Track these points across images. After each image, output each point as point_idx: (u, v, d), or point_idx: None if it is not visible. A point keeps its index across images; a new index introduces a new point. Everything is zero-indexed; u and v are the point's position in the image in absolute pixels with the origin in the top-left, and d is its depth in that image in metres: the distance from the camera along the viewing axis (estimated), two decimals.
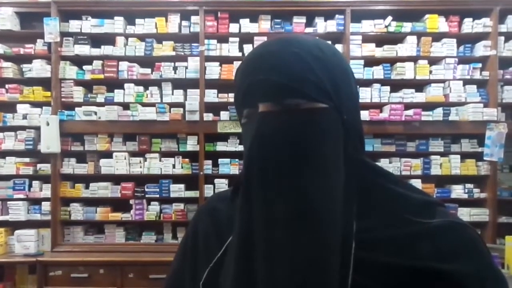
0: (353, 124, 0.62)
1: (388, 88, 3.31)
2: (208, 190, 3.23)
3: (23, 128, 3.32)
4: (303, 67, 0.58)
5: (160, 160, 3.32)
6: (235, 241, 0.59)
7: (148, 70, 3.34)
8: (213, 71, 3.30)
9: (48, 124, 3.18)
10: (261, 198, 0.56)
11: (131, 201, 3.29)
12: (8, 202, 3.30)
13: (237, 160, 3.26)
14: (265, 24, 3.32)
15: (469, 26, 3.29)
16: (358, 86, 3.27)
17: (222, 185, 3.24)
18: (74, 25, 3.33)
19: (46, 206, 3.28)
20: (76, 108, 3.30)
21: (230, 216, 0.65)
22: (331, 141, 0.58)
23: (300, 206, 0.55)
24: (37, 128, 3.26)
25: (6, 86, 3.36)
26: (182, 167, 3.30)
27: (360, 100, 3.26)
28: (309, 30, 3.34)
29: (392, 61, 3.33)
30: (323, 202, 0.55)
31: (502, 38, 3.30)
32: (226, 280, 0.60)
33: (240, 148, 3.25)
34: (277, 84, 0.57)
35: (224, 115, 3.26)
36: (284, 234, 0.54)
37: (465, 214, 3.20)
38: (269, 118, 0.58)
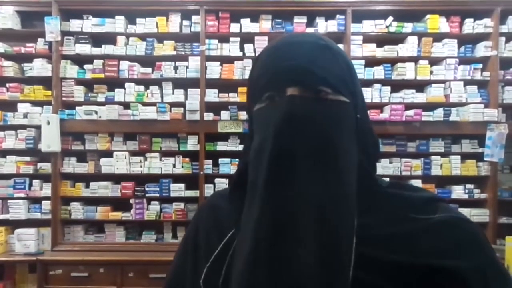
0: (365, 125, 0.64)
1: (388, 88, 3.30)
2: (208, 190, 3.23)
3: (23, 127, 3.32)
4: (332, 60, 0.61)
5: (160, 160, 3.32)
6: (250, 227, 0.57)
7: (149, 70, 3.34)
8: (214, 70, 3.30)
9: (48, 123, 3.18)
10: (290, 174, 0.56)
11: (131, 201, 3.30)
12: (9, 201, 3.30)
13: (237, 160, 3.26)
14: (266, 24, 3.32)
15: (470, 26, 3.29)
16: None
17: (222, 184, 3.24)
18: (75, 24, 3.34)
19: (46, 205, 3.28)
20: (77, 107, 3.30)
21: (230, 213, 0.66)
22: (350, 135, 0.61)
23: (321, 188, 0.56)
24: (38, 127, 3.26)
25: (7, 85, 3.36)
26: (182, 167, 3.30)
27: None
28: (310, 30, 3.34)
29: (393, 62, 3.33)
30: (341, 190, 0.57)
31: (503, 38, 3.30)
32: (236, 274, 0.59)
33: (241, 148, 3.24)
34: (309, 70, 0.59)
35: (224, 114, 3.26)
36: (306, 217, 0.54)
37: (465, 214, 3.17)
38: (299, 101, 0.59)
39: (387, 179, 0.70)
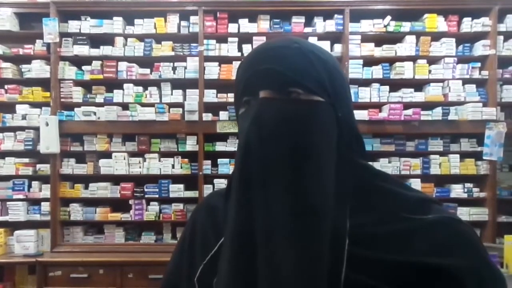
0: (348, 123, 0.63)
1: (387, 87, 3.31)
2: (208, 190, 3.23)
3: (22, 128, 3.33)
4: (305, 61, 0.61)
5: (159, 160, 3.32)
6: (230, 233, 0.59)
7: (147, 70, 3.34)
8: (212, 71, 3.30)
9: (47, 124, 3.18)
10: (260, 175, 0.57)
11: (131, 201, 3.30)
12: (8, 203, 3.30)
13: None
14: (264, 24, 3.32)
15: (468, 25, 3.29)
16: (357, 86, 3.28)
17: (221, 185, 3.24)
18: (73, 26, 3.33)
19: (45, 206, 3.28)
20: (75, 109, 3.30)
21: (227, 213, 0.66)
22: (326, 134, 0.60)
23: (295, 190, 0.56)
24: (37, 129, 3.26)
25: (5, 86, 3.36)
26: (181, 167, 3.30)
27: (359, 100, 3.27)
28: (308, 30, 3.34)
29: (391, 61, 3.33)
30: (316, 189, 0.56)
31: (501, 37, 3.30)
32: (219, 278, 0.60)
33: None
34: (280, 73, 0.60)
35: (223, 115, 3.26)
36: (281, 217, 0.55)
37: (464, 213, 3.20)
38: (269, 103, 0.60)
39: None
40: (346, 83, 0.68)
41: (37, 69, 3.32)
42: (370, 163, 0.66)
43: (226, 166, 3.27)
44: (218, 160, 3.28)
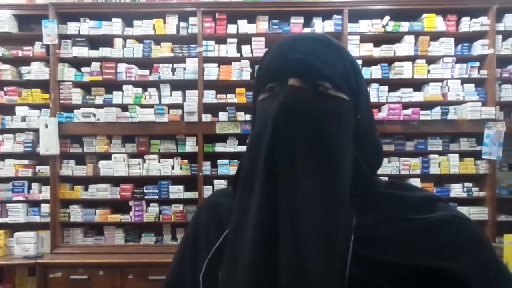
0: (366, 128, 0.64)
1: (386, 87, 3.31)
2: (207, 191, 3.23)
3: (22, 130, 3.32)
4: (336, 57, 0.63)
5: (159, 161, 3.32)
6: (253, 216, 0.58)
7: (147, 72, 3.34)
8: (211, 72, 3.30)
9: (46, 126, 3.18)
10: (285, 167, 0.57)
11: (130, 203, 3.29)
12: (8, 204, 3.30)
13: (236, 161, 3.26)
14: (263, 25, 3.32)
15: (467, 25, 3.29)
16: None
17: (221, 186, 3.24)
18: (72, 27, 3.34)
19: (45, 208, 3.28)
20: (75, 110, 3.31)
21: (231, 209, 0.66)
22: (347, 131, 0.61)
23: (315, 181, 0.56)
24: (36, 130, 3.26)
25: (5, 88, 3.36)
26: (181, 168, 3.30)
27: None
28: (307, 30, 3.34)
29: (390, 61, 3.34)
30: (337, 178, 0.58)
31: (500, 36, 3.31)
32: (234, 268, 0.59)
33: (239, 148, 3.25)
34: (311, 65, 0.61)
35: (222, 116, 3.27)
36: (307, 201, 0.56)
37: (464, 213, 3.15)
38: (298, 92, 0.60)
39: (386, 179, 0.71)
40: (368, 93, 0.70)
41: (36, 71, 3.32)
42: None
43: (226, 167, 3.27)
44: (218, 161, 3.28)
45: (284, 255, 0.54)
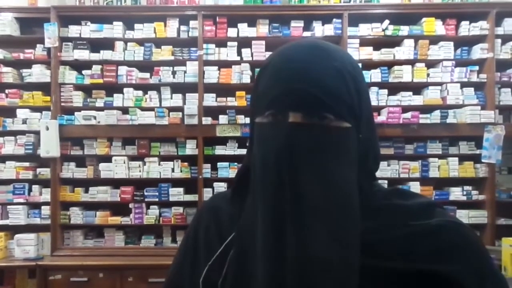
0: (368, 143, 0.63)
1: (385, 91, 3.32)
2: (207, 194, 3.24)
3: (22, 132, 3.34)
4: (341, 84, 0.59)
5: (159, 164, 3.32)
6: (260, 243, 0.58)
7: (147, 75, 3.35)
8: (212, 75, 3.31)
9: (47, 128, 3.19)
10: (289, 202, 0.56)
11: (131, 205, 3.30)
12: (8, 206, 3.31)
13: (236, 163, 3.27)
14: (263, 28, 3.33)
15: (466, 29, 3.31)
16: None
17: (221, 188, 3.25)
18: (73, 30, 3.35)
19: (45, 210, 3.29)
20: (76, 113, 3.32)
21: (231, 215, 0.67)
22: (350, 158, 0.60)
23: (321, 213, 0.56)
24: (37, 133, 3.27)
25: (6, 91, 3.37)
26: (181, 171, 3.31)
27: None
28: (307, 34, 3.36)
29: (389, 64, 3.35)
30: (342, 213, 0.57)
31: (499, 40, 3.31)
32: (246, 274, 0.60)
33: (239, 151, 3.26)
34: (315, 97, 0.57)
35: (222, 119, 3.28)
36: (310, 237, 0.55)
37: (463, 216, 3.20)
38: (300, 130, 0.58)
39: (386, 183, 0.71)
40: (369, 96, 0.66)
41: (38, 74, 3.34)
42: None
43: (226, 170, 3.28)
44: (218, 163, 3.28)
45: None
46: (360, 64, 3.24)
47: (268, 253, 0.56)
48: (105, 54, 3.34)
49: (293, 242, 0.55)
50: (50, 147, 3.19)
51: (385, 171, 3.25)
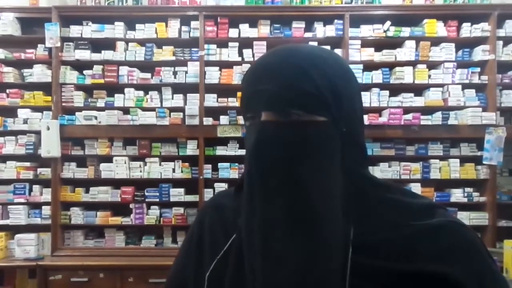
0: (353, 136, 0.63)
1: (387, 92, 3.32)
2: (208, 194, 3.24)
3: (23, 132, 3.34)
4: (304, 79, 0.59)
5: (160, 164, 3.32)
6: (241, 238, 0.62)
7: (148, 75, 3.35)
8: (213, 75, 3.31)
9: (48, 128, 3.19)
10: (261, 202, 0.59)
11: (131, 205, 3.30)
12: (9, 206, 3.31)
13: (236, 164, 3.27)
14: (264, 29, 3.33)
15: (468, 30, 3.31)
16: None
17: (221, 189, 3.24)
18: (74, 30, 3.35)
19: (46, 210, 3.29)
20: (77, 113, 3.32)
21: (235, 210, 0.67)
22: (327, 153, 0.60)
23: (297, 212, 0.57)
24: (38, 133, 3.27)
25: (7, 91, 3.38)
26: (182, 171, 3.31)
27: None
28: (308, 35, 3.35)
29: (391, 66, 3.35)
30: (319, 209, 0.57)
31: (501, 42, 3.32)
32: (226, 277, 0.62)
33: (240, 152, 3.27)
34: (278, 95, 0.59)
35: (223, 119, 3.28)
36: (283, 236, 0.57)
37: (464, 218, 3.20)
38: (269, 127, 0.60)
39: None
40: (354, 87, 0.65)
41: (39, 74, 3.34)
42: (371, 167, 0.67)
43: (227, 170, 3.28)
44: (219, 164, 3.28)
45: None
46: (361, 65, 3.28)
47: (260, 252, 0.58)
48: (106, 54, 3.33)
49: (260, 248, 0.57)
50: (51, 147, 3.19)
51: (386, 172, 3.26)
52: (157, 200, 3.30)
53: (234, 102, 3.30)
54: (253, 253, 0.58)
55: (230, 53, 3.33)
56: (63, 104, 3.34)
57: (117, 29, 3.35)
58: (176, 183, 3.34)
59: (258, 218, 0.58)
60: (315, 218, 0.57)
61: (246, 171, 0.62)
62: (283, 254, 0.56)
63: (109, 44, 3.37)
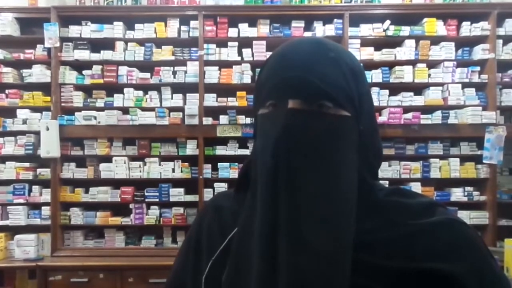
0: (368, 136, 0.64)
1: (387, 91, 3.31)
2: (208, 194, 3.24)
3: (23, 133, 3.33)
4: (338, 73, 0.60)
5: (159, 164, 3.32)
6: (257, 230, 0.58)
7: (148, 75, 3.35)
8: (212, 75, 3.31)
9: (48, 129, 3.19)
10: (285, 186, 0.57)
11: (131, 206, 3.30)
12: (8, 207, 3.30)
13: (236, 164, 3.26)
14: (263, 29, 3.33)
15: (467, 29, 3.30)
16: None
17: (221, 189, 3.24)
18: (73, 30, 3.35)
19: (46, 210, 3.28)
20: (76, 113, 3.31)
21: (234, 212, 0.67)
22: (351, 149, 0.61)
23: (317, 200, 0.57)
24: (37, 133, 3.27)
25: (6, 91, 3.37)
26: (181, 171, 3.31)
27: None
28: (307, 34, 3.35)
29: (390, 65, 3.34)
30: (343, 201, 0.57)
31: (500, 41, 3.31)
32: (241, 274, 0.60)
33: (240, 152, 3.26)
34: (312, 84, 0.59)
35: (223, 119, 3.27)
36: (314, 223, 0.56)
37: (465, 217, 3.20)
38: (298, 115, 0.59)
39: (387, 183, 0.71)
40: (370, 94, 0.68)
41: (38, 74, 3.33)
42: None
43: (226, 170, 3.27)
44: (218, 164, 3.28)
45: (284, 266, 0.55)
46: (361, 65, 3.27)
47: (264, 247, 0.57)
48: (105, 54, 3.33)
49: (286, 231, 0.55)
50: (50, 147, 3.19)
51: (386, 171, 3.25)
52: (157, 200, 3.30)
53: (233, 101, 3.29)
54: (254, 251, 0.58)
55: (229, 53, 3.32)
56: (63, 104, 3.33)
57: (116, 29, 3.34)
58: (176, 183, 3.34)
59: (285, 202, 0.56)
60: (340, 209, 0.57)
61: (264, 158, 0.60)
62: (313, 242, 0.55)
63: (108, 44, 3.36)
